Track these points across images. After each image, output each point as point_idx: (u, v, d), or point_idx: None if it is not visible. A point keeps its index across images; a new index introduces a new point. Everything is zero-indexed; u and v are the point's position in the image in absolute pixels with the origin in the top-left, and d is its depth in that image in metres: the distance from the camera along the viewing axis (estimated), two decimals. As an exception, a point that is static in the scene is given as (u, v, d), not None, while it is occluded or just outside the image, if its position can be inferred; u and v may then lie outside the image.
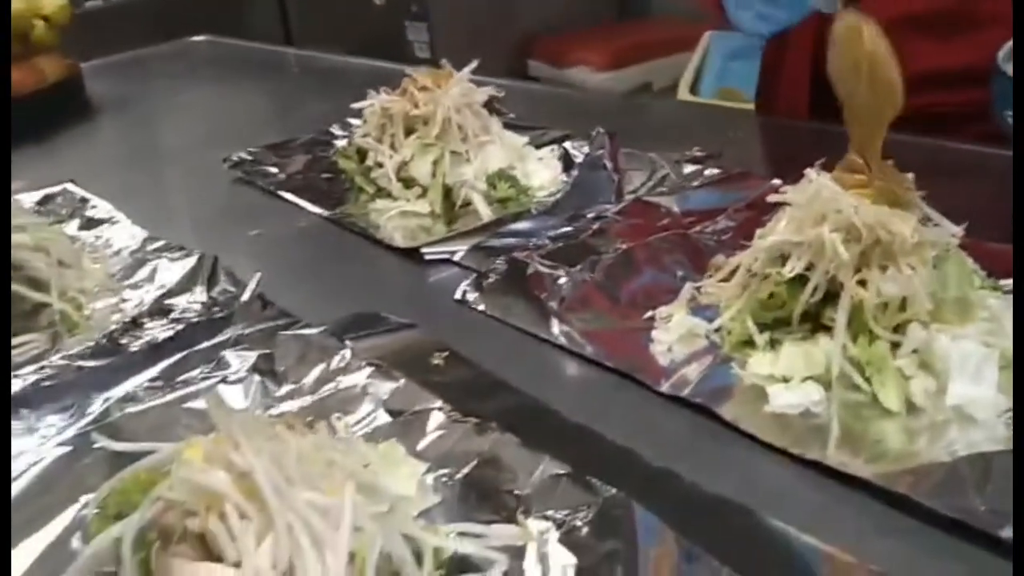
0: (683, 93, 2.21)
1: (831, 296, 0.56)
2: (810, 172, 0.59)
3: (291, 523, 0.39)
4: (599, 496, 0.46)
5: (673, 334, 0.60)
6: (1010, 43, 0.63)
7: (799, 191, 0.58)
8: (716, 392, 0.55)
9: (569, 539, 0.44)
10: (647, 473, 0.49)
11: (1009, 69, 0.61)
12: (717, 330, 0.60)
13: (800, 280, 0.57)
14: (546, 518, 0.46)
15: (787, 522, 0.45)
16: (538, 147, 0.92)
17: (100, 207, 0.89)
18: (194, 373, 0.61)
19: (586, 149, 0.85)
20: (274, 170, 0.97)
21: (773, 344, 0.58)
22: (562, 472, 0.48)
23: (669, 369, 0.57)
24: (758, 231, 0.60)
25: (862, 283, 0.54)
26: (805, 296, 0.56)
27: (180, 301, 0.70)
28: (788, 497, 0.48)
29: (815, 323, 0.57)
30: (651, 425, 0.54)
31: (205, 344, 0.64)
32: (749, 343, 0.58)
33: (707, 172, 0.84)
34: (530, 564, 0.43)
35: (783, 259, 0.57)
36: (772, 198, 0.59)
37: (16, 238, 0.72)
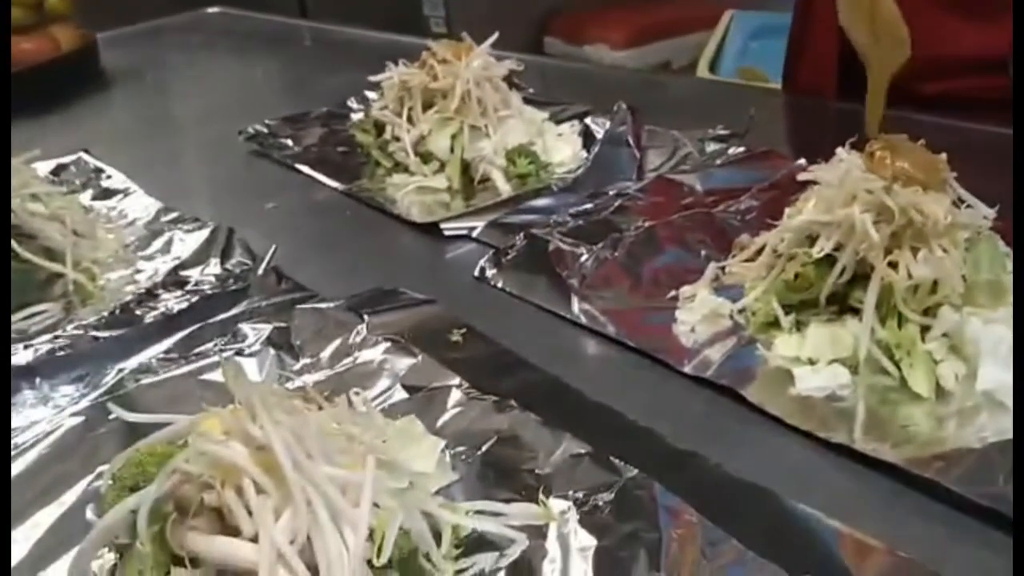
0: (702, 72, 2.18)
1: (859, 278, 0.55)
2: (841, 151, 0.57)
3: (310, 497, 0.38)
4: (621, 476, 0.45)
5: (696, 314, 0.59)
6: None
7: (829, 170, 0.57)
8: (740, 373, 0.54)
9: (590, 519, 0.43)
10: (669, 454, 0.48)
11: None
12: (741, 311, 0.59)
13: (828, 261, 0.55)
14: (566, 498, 0.45)
15: (812, 506, 0.44)
16: (558, 123, 0.91)
17: (115, 177, 0.88)
18: (209, 345, 0.60)
19: (607, 125, 0.83)
20: (289, 143, 0.96)
21: (799, 326, 0.57)
22: (583, 452, 0.47)
23: (692, 350, 0.56)
24: (786, 210, 0.59)
25: (892, 265, 0.53)
26: (833, 277, 0.55)
27: (195, 273, 0.69)
28: (813, 481, 0.47)
29: (842, 305, 0.56)
30: (673, 406, 0.53)
31: (220, 316, 0.63)
32: (774, 324, 0.57)
33: (731, 151, 0.82)
34: (550, 544, 0.43)
35: (811, 239, 0.56)
36: (802, 177, 0.58)
37: (31, 207, 0.71)
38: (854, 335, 0.54)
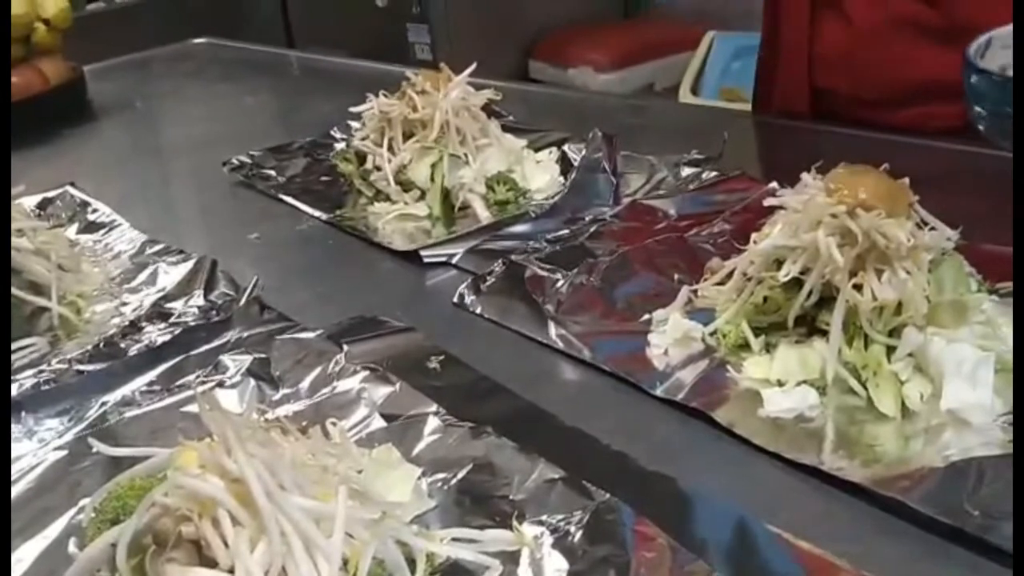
0: (684, 93, 2.21)
1: (826, 300, 0.56)
2: (806, 176, 0.59)
3: (284, 529, 0.39)
4: (593, 500, 0.46)
5: (669, 337, 0.60)
6: (983, 37, 0.64)
7: (794, 195, 0.58)
8: (711, 395, 0.55)
9: (562, 544, 0.44)
10: (641, 477, 0.49)
11: (979, 62, 0.62)
12: (713, 333, 0.60)
13: (795, 284, 0.57)
14: (540, 523, 0.46)
15: (782, 527, 0.45)
16: (537, 150, 0.92)
17: (100, 210, 0.89)
18: (191, 377, 0.61)
19: (584, 151, 0.85)
20: (273, 173, 0.97)
21: (768, 348, 0.58)
22: (556, 477, 0.48)
23: (664, 372, 0.57)
24: (754, 235, 0.60)
25: (857, 287, 0.54)
26: (800, 300, 0.56)
27: (178, 305, 0.70)
28: (783, 501, 0.48)
29: (810, 327, 0.57)
30: (646, 429, 0.54)
31: (203, 348, 0.64)
32: (744, 346, 0.58)
33: (704, 175, 0.84)
34: (523, 570, 0.44)
35: (778, 263, 0.57)
36: (768, 202, 0.59)
37: (16, 242, 0.72)
38: (821, 356, 0.55)
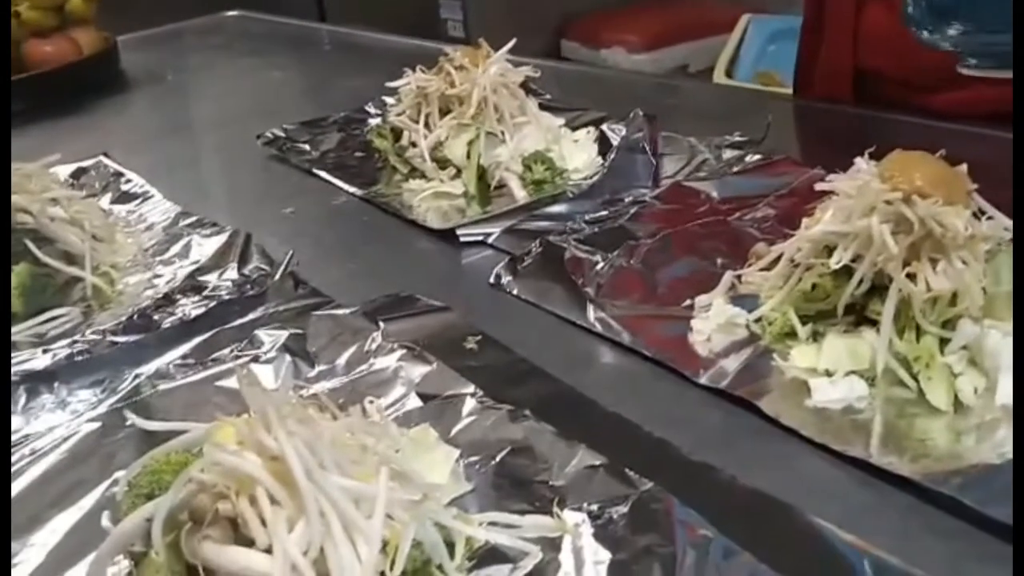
0: (719, 76, 2.17)
1: (877, 289, 0.54)
2: (859, 161, 0.57)
3: (323, 509, 0.38)
4: (636, 489, 0.45)
5: (712, 324, 0.58)
6: None
7: (847, 180, 0.56)
8: (756, 384, 0.54)
9: (604, 532, 0.43)
10: (684, 466, 0.48)
11: None
12: (757, 320, 0.58)
13: (845, 271, 0.55)
14: (581, 510, 0.45)
15: (827, 519, 0.43)
16: (574, 129, 0.91)
17: (134, 181, 0.89)
18: (225, 351, 0.60)
19: (624, 131, 0.83)
20: (307, 147, 0.96)
21: (815, 336, 0.56)
22: (598, 463, 0.47)
23: (707, 359, 0.56)
24: (803, 220, 0.58)
25: (911, 276, 0.52)
26: (851, 288, 0.54)
27: (212, 278, 0.69)
28: (829, 494, 0.47)
29: (859, 316, 0.56)
30: (688, 417, 0.53)
31: (237, 322, 0.64)
32: (790, 335, 0.57)
33: (747, 158, 0.82)
34: (564, 557, 0.42)
35: (829, 250, 0.56)
36: (820, 186, 0.57)
37: (50, 211, 0.71)
38: (871, 347, 0.53)
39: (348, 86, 1.19)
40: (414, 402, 0.54)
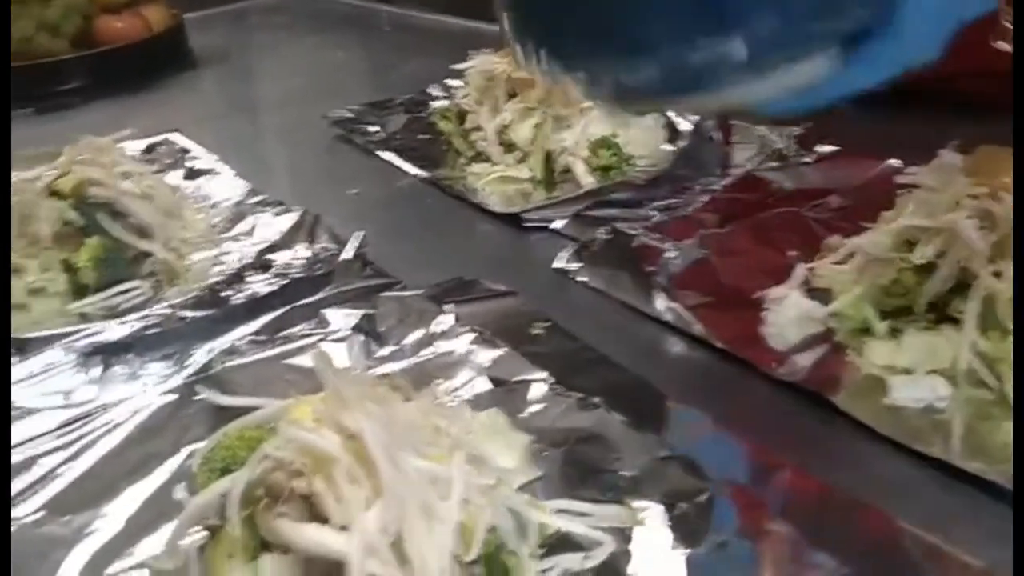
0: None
1: (960, 286, 0.53)
2: (945, 154, 0.55)
3: (400, 490, 0.38)
4: (710, 483, 0.44)
5: (785, 316, 0.57)
6: None
7: (931, 173, 0.55)
8: (830, 380, 0.52)
9: (678, 526, 0.43)
10: (758, 462, 0.47)
11: None
12: (833, 315, 0.57)
13: (926, 267, 0.54)
14: (653, 501, 0.44)
15: (907, 521, 0.42)
16: (642, 115, 0.90)
17: (202, 158, 0.90)
18: (295, 329, 0.61)
19: (693, 118, 0.82)
20: (373, 128, 0.97)
21: (893, 333, 0.55)
22: (670, 455, 0.46)
23: (781, 353, 0.55)
24: (883, 214, 0.57)
25: (996, 274, 0.51)
26: (933, 285, 0.53)
27: (281, 256, 0.70)
28: (906, 494, 0.46)
29: (940, 313, 0.54)
30: (761, 411, 0.52)
31: (305, 301, 0.64)
32: (866, 331, 0.55)
33: (820, 148, 0.80)
34: (636, 548, 0.42)
35: (909, 244, 0.54)
36: (901, 179, 0.56)
37: (123, 185, 0.72)
38: (952, 346, 0.52)
39: (411, 67, 1.19)
40: (482, 386, 0.54)
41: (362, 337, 0.58)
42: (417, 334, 0.59)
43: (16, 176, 0.73)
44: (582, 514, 0.44)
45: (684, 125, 0.86)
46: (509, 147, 0.85)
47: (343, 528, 0.38)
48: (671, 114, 0.88)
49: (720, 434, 0.49)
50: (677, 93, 0.36)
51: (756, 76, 0.33)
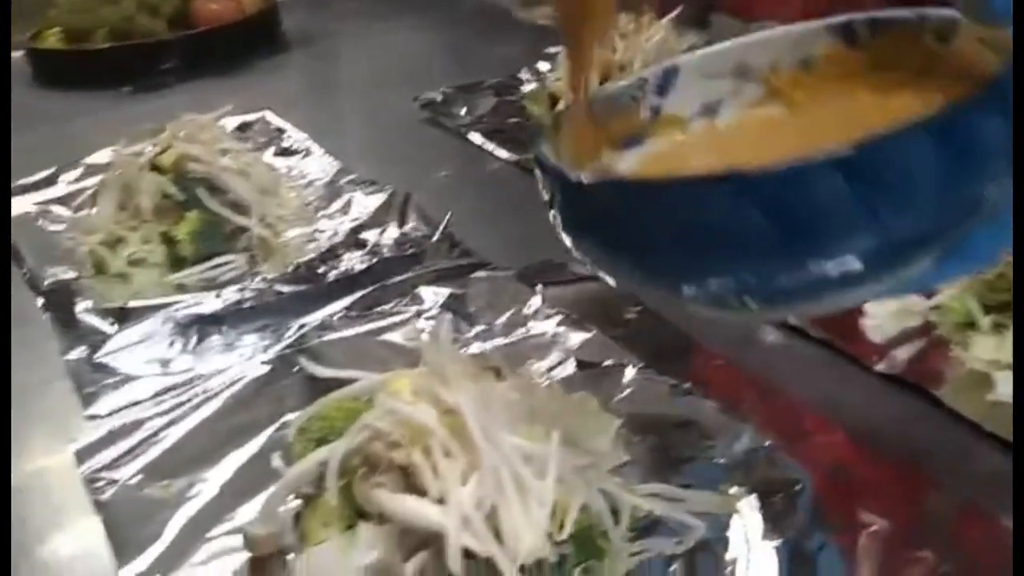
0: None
1: (1072, 282, 0.51)
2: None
3: (497, 466, 0.38)
4: (806, 474, 0.44)
5: (885, 308, 0.56)
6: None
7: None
8: (932, 374, 0.51)
9: (773, 515, 0.42)
10: (856, 455, 0.46)
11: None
12: (935, 308, 0.55)
13: (1035, 262, 0.51)
14: (747, 490, 0.43)
15: (1009, 520, 0.41)
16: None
17: (295, 137, 0.91)
18: (387, 306, 0.61)
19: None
20: (462, 112, 0.97)
21: (997, 328, 0.53)
22: (765, 445, 0.46)
23: (880, 345, 0.54)
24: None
25: (1112, 270, 0.49)
26: (1044, 280, 0.51)
27: (373, 235, 0.70)
28: (1011, 492, 0.44)
29: (1049, 309, 0.52)
30: (859, 403, 0.51)
31: (396, 279, 0.65)
32: (970, 325, 0.54)
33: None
34: (732, 536, 0.41)
35: (1018, 238, 0.52)
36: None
37: (222, 161, 0.74)
38: (1063, 342, 0.50)
39: (499, 52, 1.19)
40: (572, 369, 0.54)
41: (451, 316, 0.59)
42: (506, 315, 0.59)
43: (120, 151, 0.75)
44: (675, 499, 0.43)
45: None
46: (600, 132, 0.84)
47: (439, 501, 0.38)
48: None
49: (816, 424, 0.48)
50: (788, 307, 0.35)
51: (871, 282, 0.31)
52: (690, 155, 0.38)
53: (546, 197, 0.34)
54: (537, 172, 0.35)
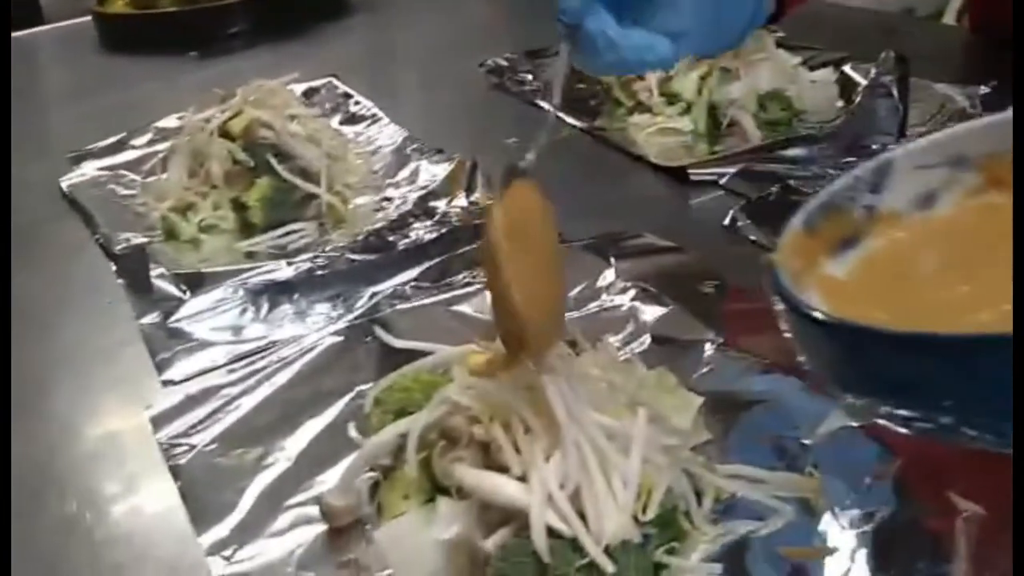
0: (949, 21, 2.01)
1: None
2: None
3: (580, 444, 0.37)
4: (898, 458, 0.42)
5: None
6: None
7: None
8: None
9: (863, 499, 0.40)
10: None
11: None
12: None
13: None
14: (835, 474, 0.42)
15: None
16: (811, 68, 0.85)
17: (362, 104, 0.90)
18: (458, 277, 0.60)
19: (872, 73, 0.77)
20: (529, 77, 0.95)
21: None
22: (854, 425, 0.44)
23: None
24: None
25: None
26: None
27: (442, 204, 0.70)
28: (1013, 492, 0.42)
29: None
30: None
31: (465, 249, 0.64)
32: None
33: (1008, 110, 0.74)
34: (817, 520, 0.40)
35: None
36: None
37: (291, 128, 0.74)
38: None
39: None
40: (650, 344, 0.53)
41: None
42: (580, 287, 0.58)
43: (189, 117, 0.75)
44: (758, 480, 0.42)
45: (859, 80, 0.81)
46: (671, 99, 0.82)
47: (520, 478, 0.38)
48: (845, 69, 0.84)
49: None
50: None
51: None
52: (912, 255, 0.36)
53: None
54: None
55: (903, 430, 0.30)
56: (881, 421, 0.31)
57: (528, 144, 0.44)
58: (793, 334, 0.32)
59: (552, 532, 0.36)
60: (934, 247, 0.37)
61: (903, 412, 0.30)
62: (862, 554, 0.38)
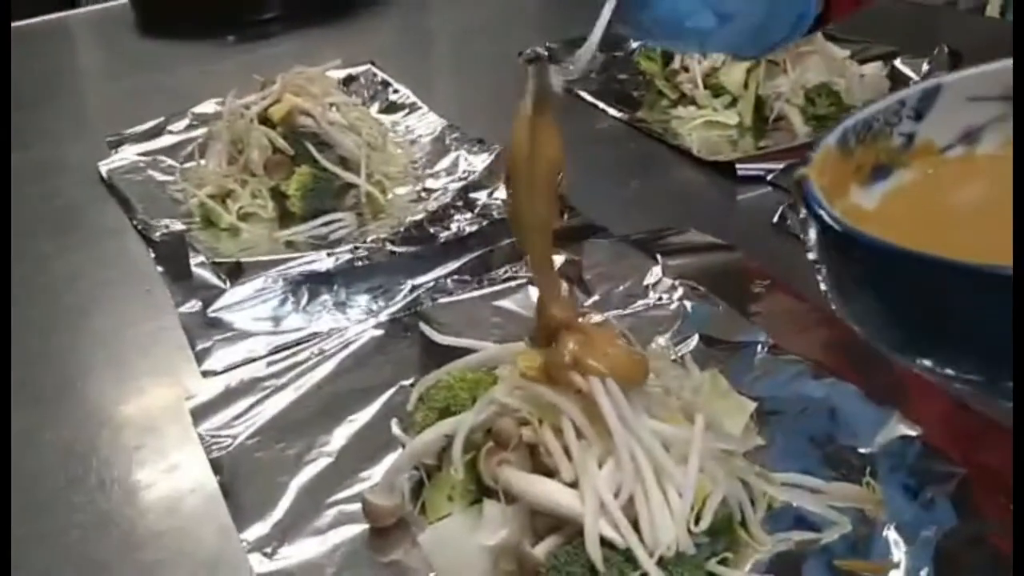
0: (993, 14, 1.96)
1: None
2: None
3: (634, 452, 0.36)
4: (960, 468, 0.41)
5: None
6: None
7: None
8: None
9: (923, 512, 0.39)
10: (1008, 447, 0.43)
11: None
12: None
13: None
14: (895, 484, 0.41)
15: None
16: (861, 62, 0.83)
17: (401, 91, 0.89)
18: (500, 271, 0.59)
19: (924, 67, 0.75)
20: (571, 67, 0.93)
21: None
22: (913, 434, 0.43)
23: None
24: None
25: None
26: None
27: (482, 196, 0.68)
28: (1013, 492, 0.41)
29: None
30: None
31: (507, 241, 0.63)
32: None
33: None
34: (877, 532, 0.39)
35: None
36: None
37: (331, 116, 0.73)
38: None
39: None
40: (698, 345, 0.51)
41: (565, 285, 0.57)
42: (626, 284, 0.57)
43: (228, 102, 0.74)
44: (815, 490, 0.41)
45: (910, 75, 0.79)
46: (717, 91, 0.80)
47: (571, 484, 0.37)
48: (896, 62, 0.82)
49: (966, 411, 0.44)
50: None
51: None
52: (944, 196, 0.34)
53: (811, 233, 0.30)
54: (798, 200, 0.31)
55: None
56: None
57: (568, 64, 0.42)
58: (822, 258, 0.31)
59: (604, 541, 0.35)
60: (968, 189, 0.35)
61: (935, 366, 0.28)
62: (924, 573, 0.37)
